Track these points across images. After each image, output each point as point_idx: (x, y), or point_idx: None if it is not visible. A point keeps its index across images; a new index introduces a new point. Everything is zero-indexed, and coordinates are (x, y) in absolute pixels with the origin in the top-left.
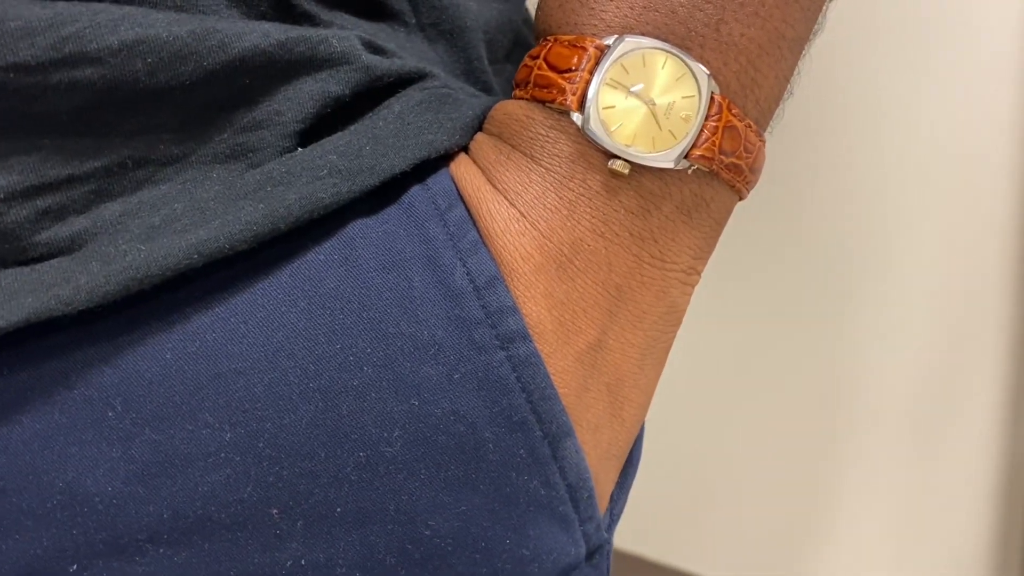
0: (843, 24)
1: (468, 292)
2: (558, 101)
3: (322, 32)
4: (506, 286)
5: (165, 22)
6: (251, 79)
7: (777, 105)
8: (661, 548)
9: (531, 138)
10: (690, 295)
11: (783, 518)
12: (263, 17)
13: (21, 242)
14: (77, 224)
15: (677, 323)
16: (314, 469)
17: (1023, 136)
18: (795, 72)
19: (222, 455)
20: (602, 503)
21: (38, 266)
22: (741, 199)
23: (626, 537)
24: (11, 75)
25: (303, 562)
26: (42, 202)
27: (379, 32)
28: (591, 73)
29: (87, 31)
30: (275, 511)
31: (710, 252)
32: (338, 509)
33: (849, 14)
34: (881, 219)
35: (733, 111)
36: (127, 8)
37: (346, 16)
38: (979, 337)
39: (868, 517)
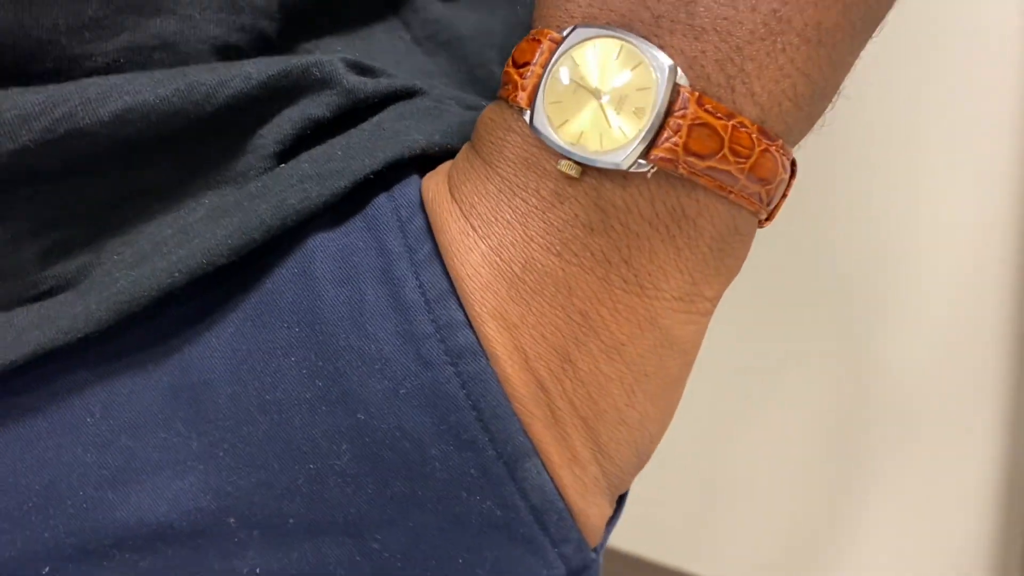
0: None
1: (419, 306)
2: (511, 98)
3: (304, 61)
4: (458, 300)
5: (151, 84)
6: (238, 117)
7: (800, 105)
8: (661, 548)
9: (492, 142)
10: (700, 324)
11: (784, 519)
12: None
13: (31, 276)
14: (82, 257)
15: (683, 354)
16: (268, 480)
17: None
18: (829, 66)
19: (188, 463)
20: (595, 537)
21: (45, 302)
22: (759, 217)
23: (626, 537)
24: (14, 159)
25: (258, 571)
26: (46, 239)
27: (372, 48)
28: (544, 67)
29: (79, 109)
30: (232, 520)
31: (721, 277)
32: (291, 520)
33: None
34: (885, 221)
35: (706, 106)
36: (113, 79)
37: (336, 39)
38: (981, 340)
39: (869, 518)
